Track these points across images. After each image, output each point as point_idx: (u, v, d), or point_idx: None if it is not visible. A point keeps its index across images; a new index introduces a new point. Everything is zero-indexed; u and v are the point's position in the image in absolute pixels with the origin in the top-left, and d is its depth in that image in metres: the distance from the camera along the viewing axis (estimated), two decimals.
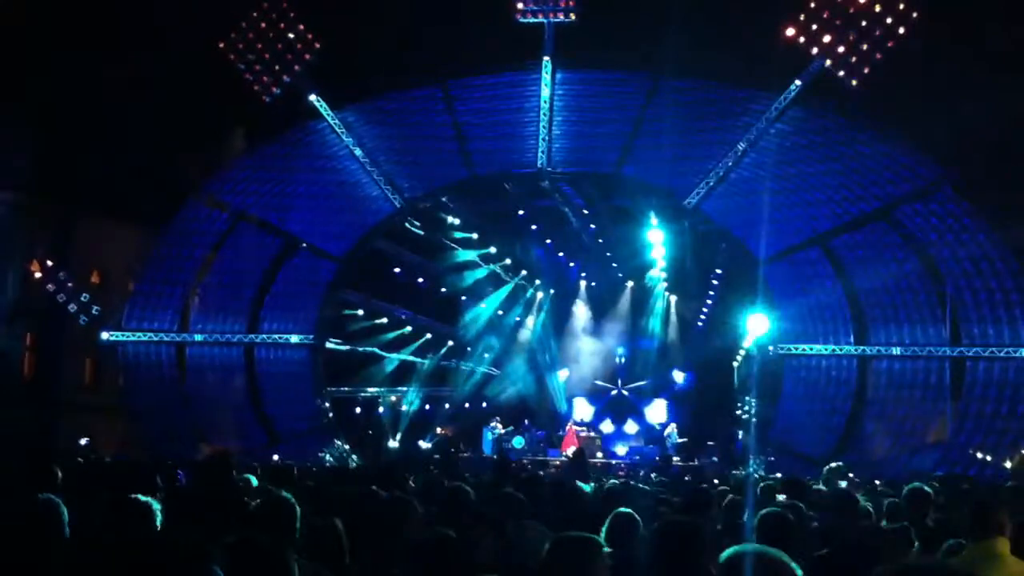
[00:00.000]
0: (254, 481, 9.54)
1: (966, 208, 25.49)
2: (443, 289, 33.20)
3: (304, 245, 29.78)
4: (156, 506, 5.45)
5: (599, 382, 33.68)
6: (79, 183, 32.98)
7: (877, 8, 25.18)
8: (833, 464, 15.28)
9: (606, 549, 4.54)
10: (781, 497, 9.28)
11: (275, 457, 25.53)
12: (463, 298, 33.71)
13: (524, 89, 28.06)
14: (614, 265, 33.78)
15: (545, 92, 27.61)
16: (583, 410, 33.19)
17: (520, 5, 26.92)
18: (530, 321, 34.82)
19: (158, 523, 5.36)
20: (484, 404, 33.70)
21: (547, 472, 21.98)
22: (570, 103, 28.06)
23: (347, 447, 28.52)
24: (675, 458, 28.81)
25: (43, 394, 33.79)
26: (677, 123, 26.48)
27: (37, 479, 6.96)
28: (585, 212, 31.26)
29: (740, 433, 31.11)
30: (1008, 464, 24.09)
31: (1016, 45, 23.17)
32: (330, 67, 28.50)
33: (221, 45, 28.03)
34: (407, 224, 30.71)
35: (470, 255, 32.83)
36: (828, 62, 25.62)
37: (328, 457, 27.09)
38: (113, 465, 15.17)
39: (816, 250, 27.03)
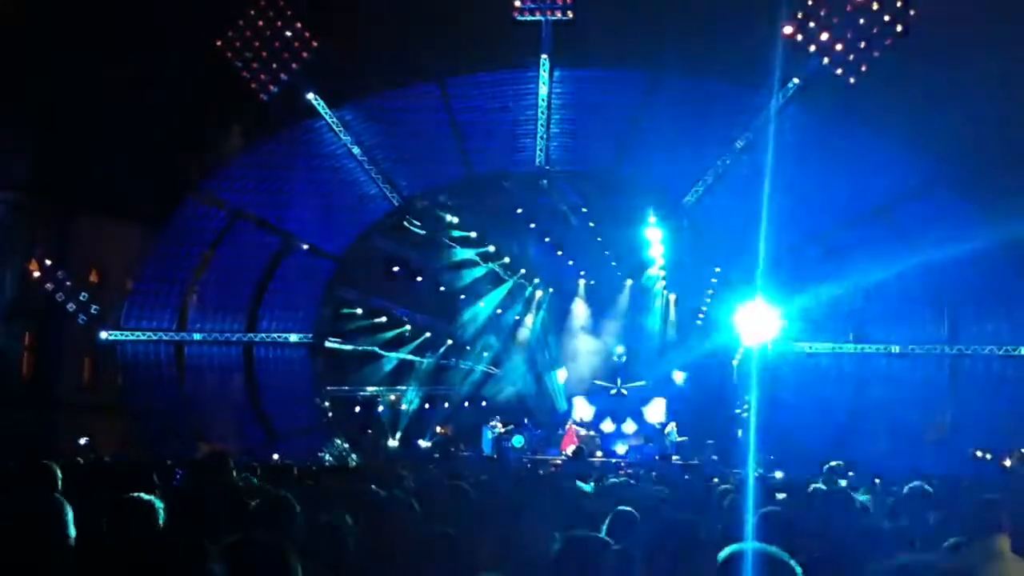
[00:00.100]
0: (253, 480, 9.53)
1: (965, 206, 25.51)
2: (442, 287, 33.16)
3: (302, 243, 29.77)
4: (158, 505, 5.44)
5: (598, 381, 33.65)
6: (78, 182, 32.94)
7: (875, 6, 25.18)
8: (832, 462, 15.27)
9: (615, 547, 4.54)
10: (781, 495, 9.28)
11: (274, 456, 25.54)
12: (462, 296, 33.67)
13: (522, 87, 28.06)
14: (613, 263, 33.75)
15: (543, 90, 27.60)
16: (583, 409, 33.15)
17: (518, 3, 26.89)
18: (529, 319, 34.78)
19: (160, 522, 5.35)
20: (483, 403, 33.65)
21: (547, 471, 21.97)
22: (568, 101, 28.06)
23: (346, 446, 28.50)
24: (675, 456, 28.83)
25: (42, 394, 33.76)
26: (675, 121, 26.49)
27: (37, 479, 6.95)
28: (584, 210, 31.25)
29: (739, 431, 31.10)
30: (1007, 462, 24.13)
31: (1012, 42, 23.15)
32: (328, 65, 28.47)
33: (219, 43, 28.01)
34: (405, 222, 30.70)
35: (468, 253, 32.80)
36: (826, 60, 25.61)
37: (327, 456, 27.08)
38: (113, 465, 15.16)
39: (815, 248, 27.05)
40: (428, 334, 33.49)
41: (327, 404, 30.02)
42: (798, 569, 3.55)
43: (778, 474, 19.69)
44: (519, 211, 31.63)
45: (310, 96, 28.72)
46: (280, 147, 29.47)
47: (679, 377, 34.03)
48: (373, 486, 8.05)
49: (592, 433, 31.05)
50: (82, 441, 28.59)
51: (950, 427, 25.99)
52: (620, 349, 33.93)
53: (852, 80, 25.44)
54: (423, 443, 32.09)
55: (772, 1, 25.22)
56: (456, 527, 5.47)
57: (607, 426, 32.34)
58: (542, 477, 11.21)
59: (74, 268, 30.81)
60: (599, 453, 29.64)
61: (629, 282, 34.27)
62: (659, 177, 28.17)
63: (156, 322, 29.59)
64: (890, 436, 25.71)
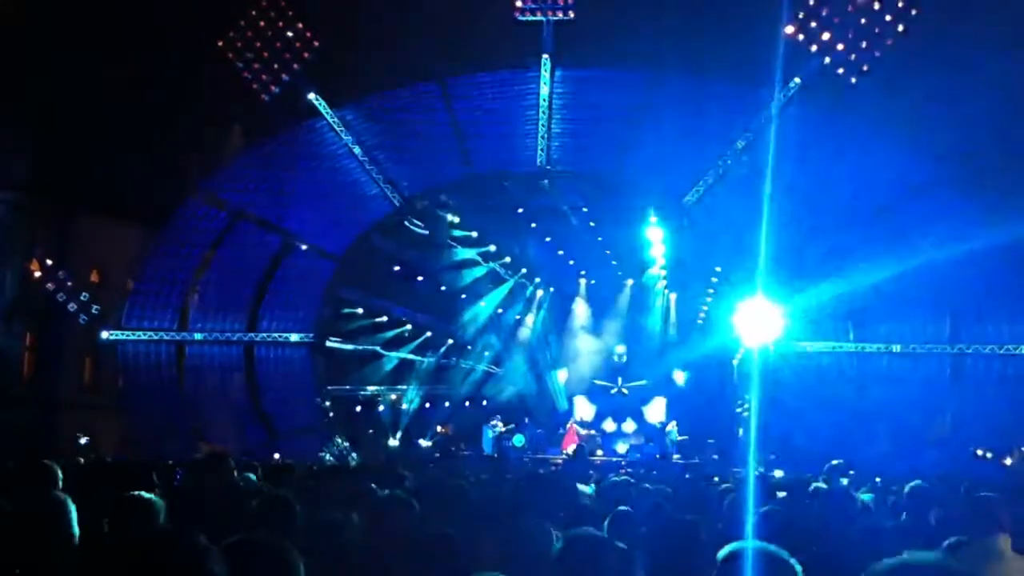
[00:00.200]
0: (254, 479, 9.54)
1: (966, 205, 25.50)
2: (442, 287, 33.16)
3: (303, 243, 29.77)
4: (159, 504, 5.45)
5: (599, 381, 33.64)
6: (78, 182, 32.97)
7: (876, 6, 25.17)
8: (834, 462, 15.27)
9: (617, 546, 4.54)
10: (781, 494, 9.28)
11: (275, 456, 25.54)
12: (462, 296, 33.67)
13: (523, 87, 28.05)
14: (614, 263, 33.74)
15: (544, 90, 27.59)
16: (583, 408, 33.15)
17: (519, 3, 26.87)
18: (530, 319, 34.77)
19: (161, 521, 5.36)
20: (484, 402, 33.65)
21: (547, 470, 21.97)
22: (569, 101, 28.04)
23: (347, 445, 28.51)
24: (675, 456, 28.83)
25: (43, 393, 33.79)
26: (676, 120, 26.46)
27: (37, 479, 6.95)
28: (584, 210, 31.25)
29: (740, 431, 31.09)
30: (1008, 461, 24.14)
31: (1014, 42, 23.15)
32: (329, 65, 28.48)
33: (220, 43, 28.00)
34: (406, 222, 30.70)
35: (469, 253, 32.80)
36: (827, 59, 25.60)
37: (328, 456, 27.09)
38: (114, 465, 15.17)
39: (816, 247, 27.04)
40: (429, 333, 33.49)
41: (328, 404, 30.02)
42: (798, 568, 3.56)
43: (778, 473, 19.68)
44: (520, 211, 31.63)
45: (311, 96, 28.71)
46: (281, 147, 29.47)
47: (680, 377, 34.02)
48: (373, 485, 8.05)
49: (593, 432, 31.06)
50: (83, 441, 28.63)
51: (951, 426, 25.98)
52: (621, 349, 33.92)
53: (853, 80, 25.42)
54: (424, 442, 32.10)
55: (773, 0, 25.21)
56: (456, 527, 5.47)
57: (608, 425, 32.34)
58: (542, 476, 11.20)
59: (74, 268, 30.82)
60: (599, 452, 29.65)
61: (630, 282, 34.25)
62: (660, 177, 28.16)
63: (157, 322, 29.59)
64: (891, 435, 25.70)
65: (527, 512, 6.16)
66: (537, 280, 34.66)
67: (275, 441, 28.76)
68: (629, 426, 32.63)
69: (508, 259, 33.84)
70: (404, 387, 33.13)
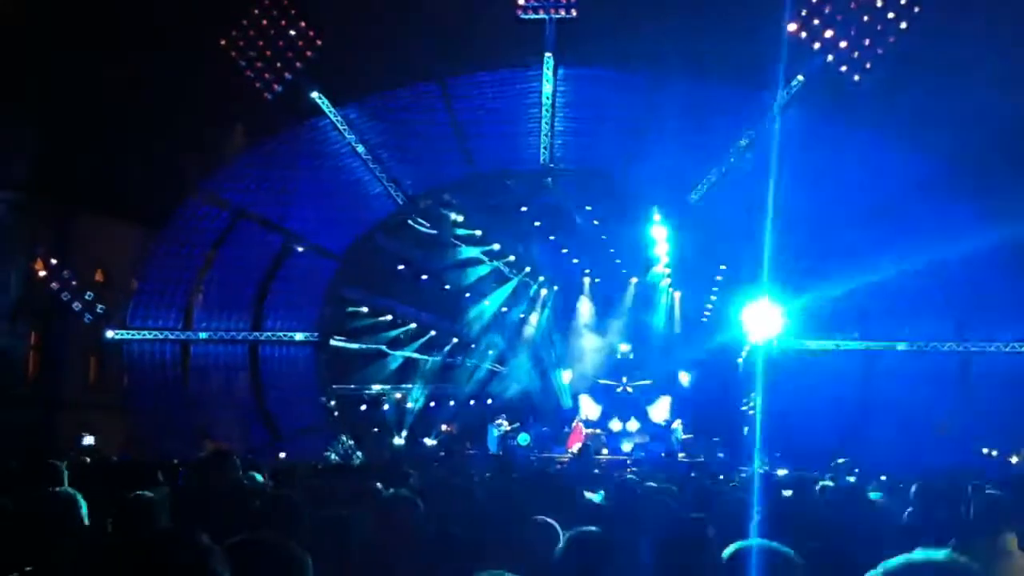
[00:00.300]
0: (259, 479, 9.52)
1: (969, 202, 25.45)
2: (446, 286, 33.18)
3: (306, 242, 29.78)
4: (163, 503, 5.45)
5: (603, 380, 33.65)
6: (80, 182, 32.99)
7: (879, 3, 25.11)
8: (840, 459, 15.28)
9: (621, 545, 4.53)
10: (787, 492, 9.26)
11: (280, 455, 25.56)
12: (467, 295, 33.69)
13: (526, 86, 28.01)
14: (617, 261, 33.75)
15: (547, 88, 27.56)
16: (588, 407, 33.17)
17: (521, 1, 26.81)
18: (534, 318, 34.80)
19: (165, 520, 5.36)
20: (489, 401, 33.69)
21: (553, 469, 21.97)
22: (572, 99, 28.00)
23: (351, 444, 28.53)
24: (681, 454, 28.82)
25: (47, 393, 33.83)
26: (680, 118, 26.42)
27: (42, 479, 6.95)
28: (588, 208, 31.25)
29: (745, 429, 31.06)
30: (1014, 459, 24.09)
31: (1014, 39, 23.09)
32: (332, 64, 28.46)
33: (223, 43, 28.00)
34: (410, 221, 30.70)
35: (473, 252, 32.82)
36: (830, 57, 25.54)
37: (333, 455, 27.11)
38: (118, 464, 15.18)
39: (820, 245, 27.00)
40: (433, 332, 33.52)
41: (332, 403, 30.04)
42: (804, 566, 3.54)
43: (784, 471, 19.66)
44: (524, 209, 31.62)
45: (314, 95, 28.69)
46: (283, 146, 29.45)
47: (685, 379, 34.04)
48: (378, 484, 8.04)
49: (598, 431, 31.08)
50: (88, 440, 28.64)
51: (957, 424, 25.93)
52: (625, 347, 33.94)
53: (857, 77, 25.37)
54: (428, 441, 32.13)
55: None
56: (461, 525, 5.46)
57: (614, 424, 32.37)
58: (548, 475, 11.19)
59: (79, 267, 30.85)
60: (605, 451, 29.66)
61: (634, 280, 34.26)
62: (663, 175, 28.11)
63: (161, 321, 29.61)
64: (897, 433, 25.66)
65: (532, 510, 6.15)
66: (541, 279, 34.68)
67: (279, 440, 28.78)
68: (634, 424, 32.65)
69: (512, 258, 33.86)
70: (409, 386, 33.16)
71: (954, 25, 24.02)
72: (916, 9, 24.74)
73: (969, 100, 22.95)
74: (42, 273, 29.42)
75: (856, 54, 25.32)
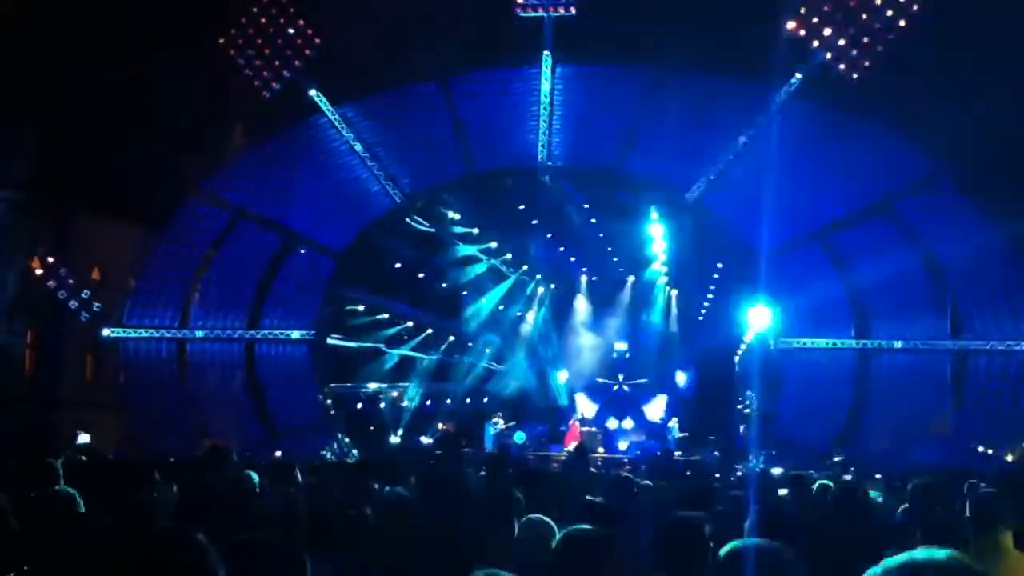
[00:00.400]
0: (254, 478, 9.53)
1: (967, 201, 25.48)
2: (444, 284, 33.19)
3: (304, 241, 29.76)
4: (160, 502, 5.45)
5: (600, 379, 33.69)
6: (80, 182, 32.98)
7: (878, 1, 25.11)
8: (837, 458, 15.31)
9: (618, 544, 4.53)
10: (783, 491, 9.28)
11: (277, 453, 25.54)
12: (464, 293, 33.70)
13: (524, 84, 27.99)
14: (615, 260, 33.77)
15: (545, 87, 27.54)
16: (585, 405, 33.20)
17: None
18: (531, 316, 34.83)
19: (162, 520, 5.36)
20: (485, 399, 33.72)
21: (550, 467, 21.99)
22: (570, 98, 27.99)
23: (348, 442, 28.53)
24: (676, 452, 28.83)
25: (44, 391, 33.82)
26: (678, 117, 26.44)
27: (39, 476, 6.96)
28: (586, 207, 31.25)
29: (742, 427, 31.11)
30: (1009, 457, 24.12)
31: (1014, 36, 23.10)
32: (330, 62, 28.44)
33: (221, 41, 27.96)
34: (408, 219, 30.69)
35: (471, 250, 32.82)
36: (829, 55, 25.55)
37: (329, 453, 27.09)
38: (115, 463, 15.16)
39: (817, 244, 27.01)
40: (430, 331, 33.55)
41: (329, 401, 30.02)
42: (800, 564, 3.55)
43: (780, 469, 19.68)
44: (521, 207, 31.62)
45: (312, 93, 28.66)
46: (282, 145, 29.42)
47: (681, 377, 34.08)
48: (375, 483, 8.05)
49: (595, 429, 31.09)
50: (85, 438, 28.62)
51: (953, 422, 25.95)
52: (622, 345, 33.97)
53: (855, 75, 25.37)
54: (425, 439, 32.13)
55: None
56: (457, 523, 5.47)
57: (610, 423, 32.40)
58: (545, 473, 11.20)
59: (76, 266, 30.80)
60: (601, 450, 29.66)
61: (631, 278, 34.31)
62: (661, 173, 28.13)
63: (159, 319, 29.56)
64: (893, 432, 25.69)
65: (528, 508, 6.16)
66: (538, 277, 34.71)
67: (276, 438, 28.76)
68: (630, 423, 32.68)
69: (509, 256, 33.87)
70: (405, 384, 33.19)
71: (953, 23, 24.05)
72: (915, 7, 24.75)
73: (967, 99, 22.98)
74: (39, 271, 29.38)
75: (855, 52, 25.32)
